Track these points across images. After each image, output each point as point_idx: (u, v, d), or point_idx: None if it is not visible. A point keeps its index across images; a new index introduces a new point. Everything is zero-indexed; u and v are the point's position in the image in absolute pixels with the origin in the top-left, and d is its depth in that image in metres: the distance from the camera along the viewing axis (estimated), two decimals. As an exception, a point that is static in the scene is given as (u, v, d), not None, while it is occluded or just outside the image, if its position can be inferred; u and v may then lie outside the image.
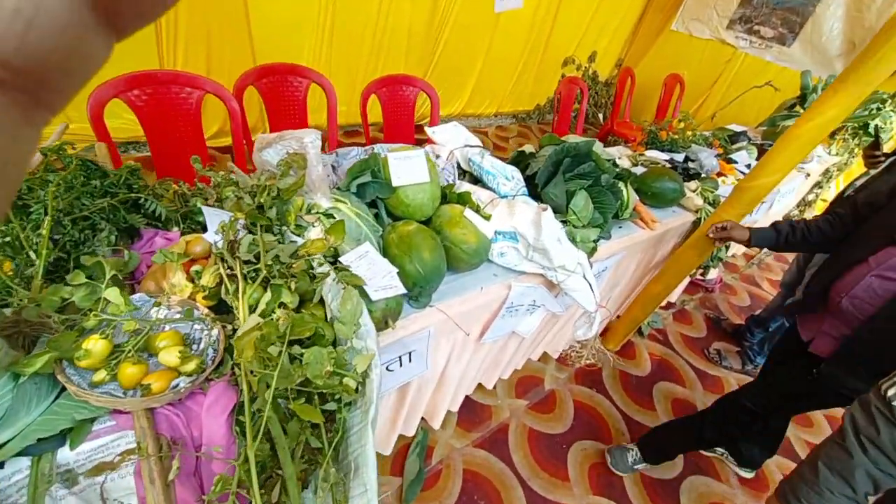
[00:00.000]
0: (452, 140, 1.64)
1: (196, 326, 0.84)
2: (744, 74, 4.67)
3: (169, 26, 2.60)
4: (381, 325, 1.00)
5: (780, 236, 1.55)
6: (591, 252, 1.49)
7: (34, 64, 0.12)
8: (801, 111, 3.15)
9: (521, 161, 1.68)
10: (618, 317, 2.37)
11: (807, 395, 1.40)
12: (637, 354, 2.44)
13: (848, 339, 1.26)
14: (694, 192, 2.15)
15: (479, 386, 1.90)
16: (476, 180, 1.58)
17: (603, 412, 2.07)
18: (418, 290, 1.10)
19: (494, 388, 2.02)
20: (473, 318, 1.30)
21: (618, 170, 1.75)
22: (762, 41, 4.58)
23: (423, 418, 1.67)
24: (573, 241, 1.41)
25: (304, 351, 0.75)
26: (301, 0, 2.97)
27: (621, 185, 1.69)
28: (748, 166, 2.68)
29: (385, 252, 1.11)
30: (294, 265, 0.86)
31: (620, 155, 2.32)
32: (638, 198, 1.91)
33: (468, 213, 1.23)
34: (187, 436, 0.74)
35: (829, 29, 4.04)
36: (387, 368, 1.13)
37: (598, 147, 1.69)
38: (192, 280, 0.89)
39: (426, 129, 1.67)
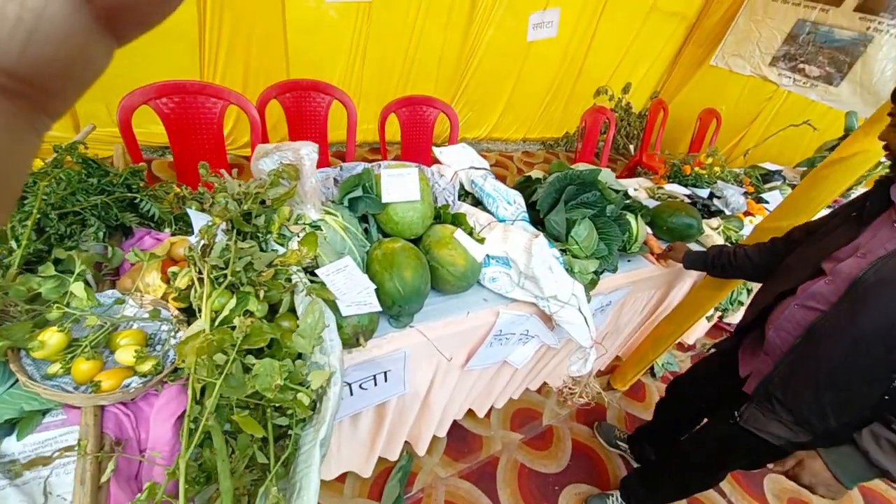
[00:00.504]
0: (459, 161, 1.63)
1: (164, 327, 0.85)
2: (786, 113, 4.49)
3: (211, 44, 2.77)
4: (352, 341, 0.98)
5: (708, 259, 1.49)
6: (591, 284, 1.43)
7: (36, 71, 0.12)
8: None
9: (528, 186, 1.65)
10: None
11: (735, 445, 1.23)
12: (647, 397, 2.31)
13: (767, 376, 1.12)
14: (715, 230, 2.04)
15: (472, 413, 1.83)
16: (478, 203, 1.57)
17: (603, 455, 1.95)
18: (398, 310, 1.08)
19: (488, 417, 1.95)
20: (458, 343, 1.26)
21: (628, 201, 1.69)
22: (807, 79, 4.41)
23: (407, 443, 1.62)
24: (571, 271, 1.36)
25: (255, 361, 0.73)
26: (336, 24, 3.10)
27: (630, 216, 1.62)
28: (780, 207, 2.54)
29: (368, 268, 1.10)
30: (263, 273, 0.86)
31: (638, 187, 2.25)
32: (651, 231, 1.84)
33: (459, 234, 1.20)
34: (134, 437, 0.74)
35: (881, 70, 3.85)
36: (360, 386, 1.10)
37: (606, 176, 1.64)
38: (168, 281, 0.90)
39: (434, 149, 1.67)
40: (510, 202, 1.48)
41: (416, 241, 1.25)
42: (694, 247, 1.92)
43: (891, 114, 0.99)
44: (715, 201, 2.33)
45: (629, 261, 1.70)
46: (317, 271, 0.98)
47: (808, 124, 2.89)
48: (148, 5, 0.14)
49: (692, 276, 1.97)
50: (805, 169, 3.06)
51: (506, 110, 4.43)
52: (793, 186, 2.82)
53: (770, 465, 1.12)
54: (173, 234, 1.07)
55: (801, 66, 4.47)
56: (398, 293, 1.04)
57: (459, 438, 1.83)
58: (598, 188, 1.46)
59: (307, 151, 1.14)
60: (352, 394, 1.10)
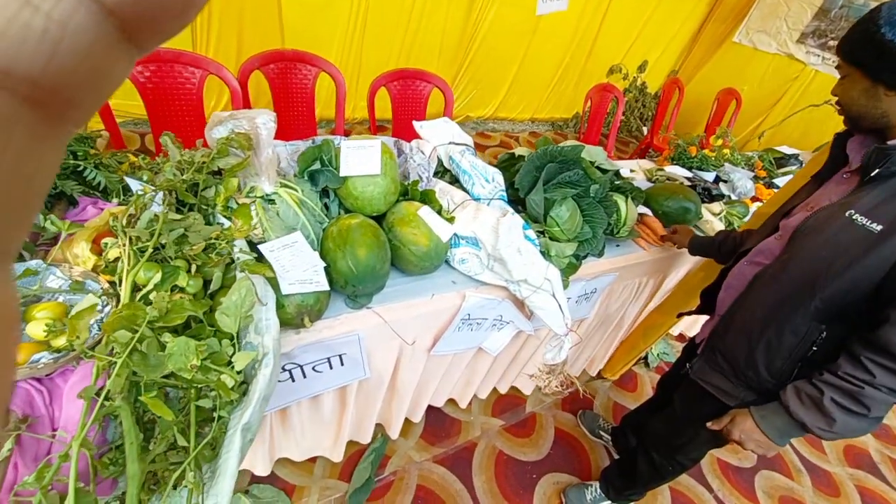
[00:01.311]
0: (439, 136, 1.55)
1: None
2: (813, 94, 4.23)
3: (202, 17, 2.70)
4: (296, 321, 0.93)
5: (714, 244, 1.42)
6: (570, 269, 1.35)
7: (61, 82, 0.13)
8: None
9: (512, 164, 1.57)
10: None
11: (698, 413, 1.20)
12: (638, 387, 2.23)
13: (713, 329, 1.15)
14: (717, 215, 1.93)
15: (454, 401, 1.79)
16: (457, 180, 1.49)
17: (587, 445, 1.90)
18: (352, 289, 1.02)
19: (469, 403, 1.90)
20: (423, 327, 1.20)
21: (619, 181, 1.59)
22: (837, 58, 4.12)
23: (380, 425, 1.59)
24: (547, 254, 1.28)
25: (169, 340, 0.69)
26: (334, -7, 2.99)
27: (619, 198, 1.53)
28: (792, 193, 2.39)
29: (322, 245, 1.04)
30: (194, 247, 0.81)
31: (637, 168, 2.14)
32: (648, 212, 1.73)
33: (424, 212, 1.13)
34: (47, 415, 0.70)
35: (919, 47, 3.56)
36: (313, 369, 1.06)
37: (597, 154, 1.54)
38: (100, 252, 0.86)
39: (414, 123, 1.59)
40: (488, 180, 1.39)
41: (381, 218, 1.19)
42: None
43: (838, 67, 0.94)
44: (721, 185, 2.20)
45: (618, 245, 1.61)
46: (260, 247, 0.93)
47: (829, 104, 2.69)
48: (169, 17, 0.14)
49: (688, 263, 1.87)
50: (825, 153, 2.87)
51: (512, 88, 4.27)
52: (809, 171, 2.66)
53: (708, 424, 1.11)
54: (121, 204, 1.03)
55: (832, 43, 4.18)
56: (350, 272, 0.99)
57: (437, 423, 1.80)
58: (581, 167, 1.36)
59: (263, 120, 1.08)
60: (304, 376, 1.06)
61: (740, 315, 1.07)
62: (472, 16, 3.55)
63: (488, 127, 4.47)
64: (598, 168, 1.57)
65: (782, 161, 2.65)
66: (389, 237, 1.13)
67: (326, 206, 1.16)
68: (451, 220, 1.21)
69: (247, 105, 1.94)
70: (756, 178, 2.36)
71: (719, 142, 2.44)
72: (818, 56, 4.25)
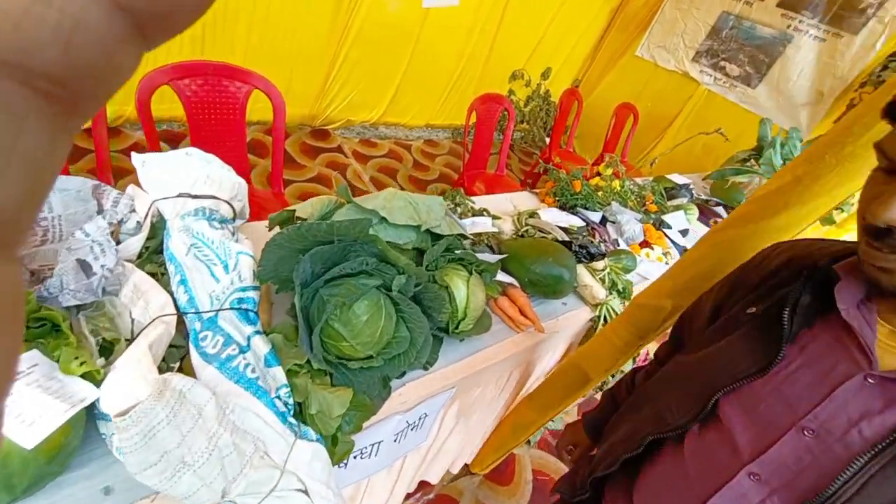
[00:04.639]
0: (167, 183, 0.95)
1: None
2: (705, 115, 4.22)
3: None
4: None
5: (605, 413, 0.98)
6: (362, 414, 0.83)
7: (73, 75, 0.13)
8: (756, 165, 2.66)
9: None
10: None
11: None
12: (515, 476, 1.82)
13: None
14: (600, 273, 1.53)
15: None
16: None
17: (439, 586, 1.43)
18: None
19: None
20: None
21: (460, 251, 1.10)
22: (727, 79, 4.15)
23: None
24: (305, 412, 0.75)
25: None
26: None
27: (457, 277, 1.04)
28: (683, 233, 2.12)
29: None
30: None
31: (513, 209, 1.70)
32: (513, 281, 1.28)
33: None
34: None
35: (798, 74, 3.62)
36: None
37: (427, 209, 1.03)
38: None
39: (132, 156, 0.97)
40: (228, 268, 0.83)
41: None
42: (567, 304, 1.40)
43: (880, 145, 0.50)
44: (608, 227, 1.84)
45: (462, 341, 1.13)
46: None
47: (719, 133, 2.50)
48: (180, 14, 0.14)
49: (564, 343, 1.46)
50: (714, 181, 2.70)
51: (401, 90, 3.72)
52: (700, 204, 2.44)
53: None
54: None
55: (723, 63, 4.20)
56: None
57: None
58: (376, 248, 0.84)
59: None
60: None
61: None
62: (342, 3, 2.94)
63: (377, 133, 3.90)
64: (430, 232, 1.08)
65: (673, 192, 2.41)
66: None
67: None
68: (94, 375, 0.63)
69: None
70: (646, 215, 2.05)
71: (609, 171, 2.10)
72: (711, 76, 4.25)
